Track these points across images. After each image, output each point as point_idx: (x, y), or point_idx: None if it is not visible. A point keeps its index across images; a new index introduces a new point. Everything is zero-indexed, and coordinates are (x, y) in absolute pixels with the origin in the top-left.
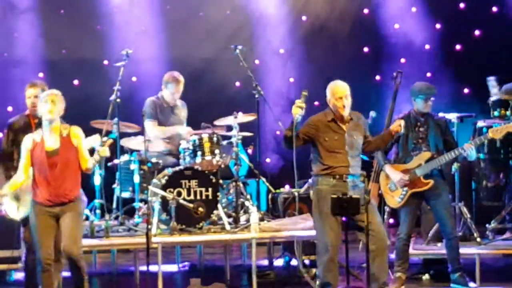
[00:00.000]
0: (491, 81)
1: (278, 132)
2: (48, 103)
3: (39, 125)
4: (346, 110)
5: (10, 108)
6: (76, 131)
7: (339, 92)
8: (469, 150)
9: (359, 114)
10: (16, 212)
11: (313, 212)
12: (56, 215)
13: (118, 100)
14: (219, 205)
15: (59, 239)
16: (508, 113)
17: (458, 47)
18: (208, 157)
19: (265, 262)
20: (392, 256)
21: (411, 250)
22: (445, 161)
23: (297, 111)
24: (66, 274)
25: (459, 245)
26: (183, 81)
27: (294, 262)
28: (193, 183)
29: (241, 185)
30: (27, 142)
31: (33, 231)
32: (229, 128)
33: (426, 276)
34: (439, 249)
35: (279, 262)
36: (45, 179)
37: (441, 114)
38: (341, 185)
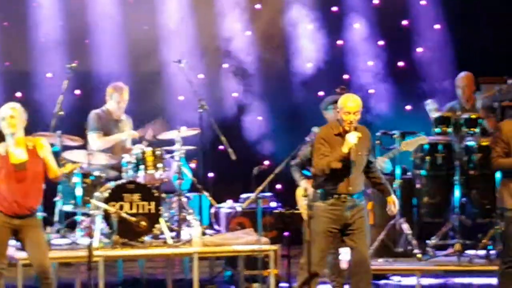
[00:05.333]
0: (429, 104)
1: (221, 147)
2: (7, 117)
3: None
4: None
5: None
6: (42, 142)
7: (348, 107)
8: (383, 163)
9: (365, 128)
10: None
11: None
12: (15, 227)
13: (61, 113)
14: (161, 219)
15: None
16: (449, 130)
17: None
18: (150, 171)
19: (207, 276)
20: None
21: None
22: None
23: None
24: None
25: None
26: (127, 89)
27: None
28: (136, 196)
29: (184, 199)
30: None
31: None
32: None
33: None
34: (380, 265)
35: (220, 277)
36: (11, 192)
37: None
38: (339, 204)
